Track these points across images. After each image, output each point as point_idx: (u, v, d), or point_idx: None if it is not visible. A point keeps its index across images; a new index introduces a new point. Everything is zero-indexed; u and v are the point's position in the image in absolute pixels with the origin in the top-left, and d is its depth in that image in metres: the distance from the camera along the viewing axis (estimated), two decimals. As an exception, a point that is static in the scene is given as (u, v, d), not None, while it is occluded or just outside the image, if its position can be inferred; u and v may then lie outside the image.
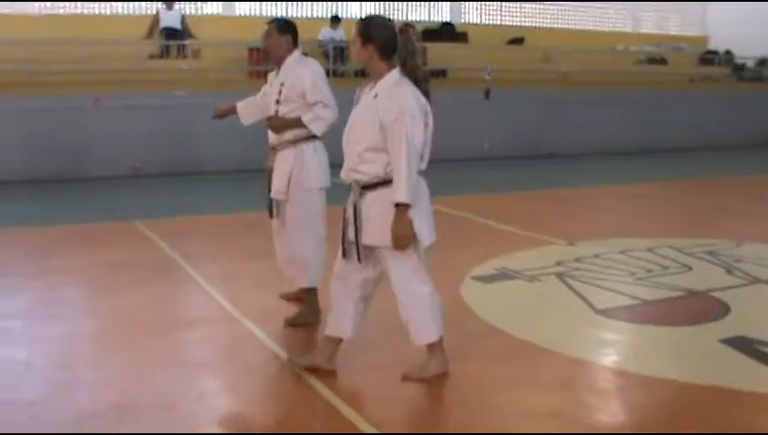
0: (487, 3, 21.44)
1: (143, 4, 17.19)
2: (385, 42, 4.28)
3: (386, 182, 4.26)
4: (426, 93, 4.35)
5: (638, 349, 5.22)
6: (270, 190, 5.66)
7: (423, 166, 4.38)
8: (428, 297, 4.46)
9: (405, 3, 20.39)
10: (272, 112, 5.59)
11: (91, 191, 12.39)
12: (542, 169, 15.83)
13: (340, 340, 4.61)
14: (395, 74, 4.30)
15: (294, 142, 5.56)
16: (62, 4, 16.60)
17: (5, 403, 4.31)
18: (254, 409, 4.36)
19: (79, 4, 16.70)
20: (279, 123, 5.56)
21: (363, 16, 4.48)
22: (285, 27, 5.61)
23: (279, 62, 5.63)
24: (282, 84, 5.52)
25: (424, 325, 4.48)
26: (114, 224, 9.40)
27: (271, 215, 5.75)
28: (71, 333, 5.54)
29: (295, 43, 5.66)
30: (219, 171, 13.99)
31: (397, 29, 4.29)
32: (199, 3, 17.99)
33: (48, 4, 16.42)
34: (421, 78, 4.34)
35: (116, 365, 4.92)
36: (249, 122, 5.99)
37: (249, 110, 5.97)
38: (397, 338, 4.74)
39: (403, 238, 4.24)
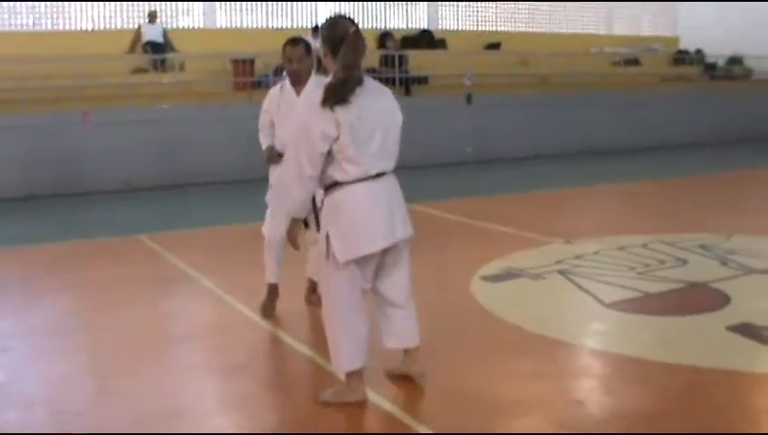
0: (463, 5, 21.69)
1: (125, 19, 17.31)
2: (334, 42, 4.24)
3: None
4: (343, 95, 4.15)
5: (652, 338, 5.45)
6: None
7: (370, 170, 4.22)
8: (341, 327, 4.34)
9: (382, 7, 20.60)
10: None
11: (87, 206, 12.49)
12: (524, 170, 16.11)
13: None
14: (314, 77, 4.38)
15: None
16: (46, 21, 16.68)
17: (57, 413, 4.46)
18: (293, 409, 4.54)
19: (62, 21, 16.78)
20: None
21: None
22: (310, 48, 5.83)
23: (301, 84, 5.79)
24: None
25: (336, 353, 4.41)
26: (118, 239, 9.53)
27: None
28: (100, 345, 5.70)
29: None
30: (210, 182, 14.13)
31: (350, 30, 4.23)
32: (180, 15, 18.11)
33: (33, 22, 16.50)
34: (341, 78, 4.17)
35: (152, 374, 5.08)
36: None
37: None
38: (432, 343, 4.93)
39: (287, 239, 4.43)
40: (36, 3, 16.50)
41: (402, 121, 4.41)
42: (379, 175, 4.23)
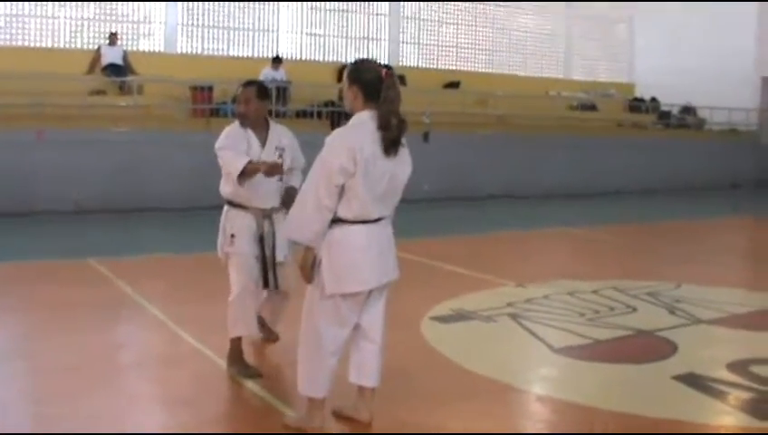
0: (425, 44, 21.92)
1: (85, 38, 17.22)
2: (368, 84, 4.28)
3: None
4: (394, 141, 4.29)
5: (599, 385, 5.48)
6: (267, 256, 5.64)
7: (370, 214, 4.31)
8: (313, 353, 4.41)
9: (344, 43, 20.72)
10: (275, 180, 5.58)
11: (37, 227, 12.33)
12: (479, 210, 16.21)
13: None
14: (356, 117, 4.34)
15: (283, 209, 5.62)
16: (5, 37, 16.53)
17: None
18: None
19: (21, 37, 16.65)
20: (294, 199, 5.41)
21: (354, 60, 4.54)
22: (264, 93, 5.65)
23: (254, 127, 5.57)
24: (280, 150, 5.59)
25: (302, 375, 4.48)
26: (67, 261, 9.40)
27: (267, 285, 5.73)
28: (46, 369, 5.58)
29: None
30: (163, 208, 14.02)
31: (383, 73, 4.28)
32: (142, 39, 18.06)
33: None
34: (394, 125, 4.26)
35: (96, 401, 4.97)
36: None
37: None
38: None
39: (300, 270, 4.38)
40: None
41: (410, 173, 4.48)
42: (378, 219, 4.36)
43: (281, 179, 5.63)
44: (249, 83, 5.66)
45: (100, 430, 4.50)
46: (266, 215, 5.63)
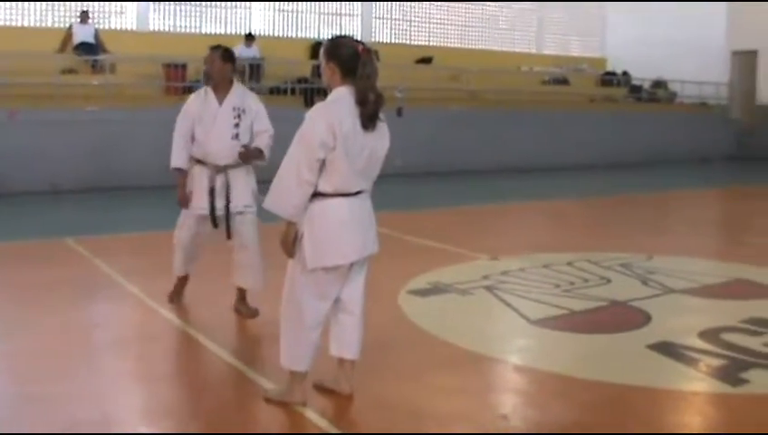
0: (397, 19, 21.90)
1: (56, 17, 17.07)
2: (345, 60, 4.32)
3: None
4: (371, 116, 4.32)
5: (575, 355, 5.59)
6: (215, 207, 6.13)
7: (349, 187, 4.36)
8: (295, 327, 4.49)
9: (316, 18, 20.68)
10: (229, 138, 6.05)
11: (12, 207, 12.26)
12: (452, 185, 16.30)
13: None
14: (334, 92, 4.38)
15: (245, 164, 6.14)
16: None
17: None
18: (219, 419, 4.55)
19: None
20: (253, 155, 6.10)
21: (331, 36, 4.59)
22: (228, 56, 6.09)
23: (218, 90, 6.10)
24: (238, 110, 6.04)
25: (284, 349, 4.57)
26: (44, 241, 9.38)
27: (229, 236, 6.22)
28: (26, 350, 5.60)
29: (234, 71, 6.17)
30: (138, 186, 13.98)
31: (359, 49, 4.33)
32: (113, 17, 17.92)
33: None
34: (372, 101, 4.30)
35: (77, 381, 5.00)
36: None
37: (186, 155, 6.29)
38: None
39: (281, 245, 4.42)
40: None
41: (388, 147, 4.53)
42: (358, 192, 4.40)
43: (237, 137, 6.01)
44: (215, 47, 6.14)
45: (82, 410, 4.55)
46: (220, 170, 6.08)
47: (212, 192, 6.08)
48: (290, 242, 4.37)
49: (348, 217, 4.39)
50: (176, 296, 6.63)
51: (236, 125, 6.02)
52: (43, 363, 5.32)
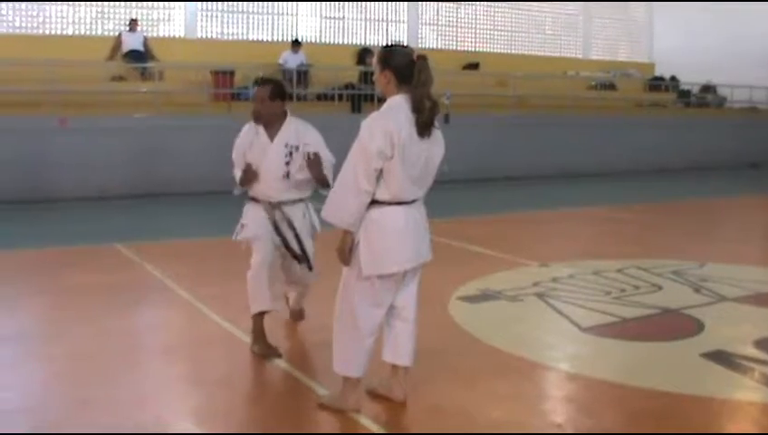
0: (443, 25, 21.88)
1: (106, 25, 17.30)
2: (401, 68, 4.35)
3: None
4: (427, 123, 4.34)
5: (628, 363, 5.53)
6: (286, 239, 5.72)
7: (406, 196, 4.38)
8: (349, 334, 4.48)
9: (363, 25, 20.72)
10: (279, 176, 5.64)
11: (62, 213, 12.45)
12: (500, 191, 16.26)
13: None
14: (390, 100, 4.39)
15: (304, 200, 5.84)
16: (27, 25, 16.62)
17: (37, 424, 4.45)
18: (272, 424, 4.56)
19: (42, 24, 16.73)
20: (318, 168, 5.60)
21: (384, 44, 4.63)
22: (277, 93, 5.65)
23: (268, 126, 5.68)
24: (291, 147, 5.60)
25: (338, 355, 4.57)
26: (95, 246, 9.50)
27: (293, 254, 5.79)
28: (79, 353, 5.66)
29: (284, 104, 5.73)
30: (186, 193, 14.11)
31: (414, 57, 4.38)
32: (162, 24, 18.12)
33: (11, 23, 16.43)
34: (427, 108, 4.33)
35: (131, 384, 5.06)
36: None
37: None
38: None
39: (337, 253, 4.42)
40: (17, 4, 16.44)
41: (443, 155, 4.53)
42: (413, 200, 4.43)
43: (287, 176, 5.62)
44: (264, 82, 5.76)
45: (134, 413, 4.59)
46: (275, 207, 5.70)
47: (275, 225, 5.68)
48: (346, 250, 4.37)
49: (404, 225, 4.41)
50: (261, 343, 5.66)
51: (287, 163, 5.60)
52: (96, 367, 5.39)
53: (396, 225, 4.38)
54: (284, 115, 5.71)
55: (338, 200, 4.30)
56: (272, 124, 5.67)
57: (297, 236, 5.71)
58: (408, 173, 4.30)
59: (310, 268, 5.78)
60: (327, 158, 5.66)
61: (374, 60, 4.46)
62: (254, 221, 5.72)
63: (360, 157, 4.24)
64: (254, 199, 5.77)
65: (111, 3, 17.43)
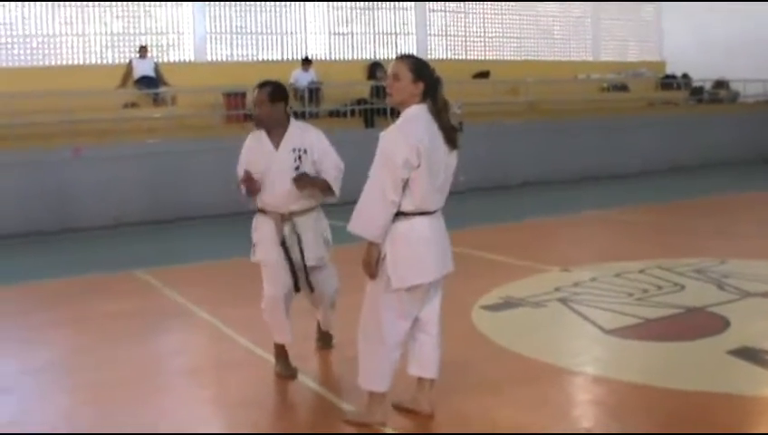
0: (452, 35, 21.92)
1: (116, 53, 17.42)
2: (431, 82, 4.38)
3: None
4: (454, 134, 4.39)
5: (654, 364, 5.50)
6: (294, 259, 5.47)
7: (429, 206, 4.38)
8: (376, 348, 4.47)
9: (372, 38, 20.77)
10: (289, 183, 5.36)
11: (80, 242, 12.51)
12: (516, 198, 16.24)
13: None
14: (409, 111, 4.36)
15: (315, 208, 5.58)
16: (37, 56, 16.76)
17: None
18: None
19: (53, 56, 16.88)
20: (312, 183, 5.39)
21: (404, 54, 4.62)
22: (277, 95, 5.41)
23: (270, 130, 5.46)
24: (299, 151, 5.40)
25: (364, 370, 4.55)
26: (114, 274, 9.54)
27: (297, 289, 5.55)
28: (106, 381, 5.68)
29: (287, 107, 5.51)
30: (203, 216, 14.15)
31: (436, 73, 4.43)
32: (171, 49, 18.22)
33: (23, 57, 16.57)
34: (448, 120, 4.40)
35: (158, 409, 5.09)
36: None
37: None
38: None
39: (363, 266, 4.39)
40: (26, 37, 16.57)
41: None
42: (435, 210, 4.45)
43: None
44: (262, 85, 5.46)
45: (166, 435, 4.61)
46: (285, 219, 5.44)
47: (284, 243, 5.43)
48: (373, 263, 4.35)
49: (430, 235, 4.42)
50: (281, 364, 5.63)
51: (297, 168, 5.35)
52: (122, 394, 5.40)
53: (423, 236, 4.39)
54: (288, 119, 5.49)
55: (365, 213, 4.29)
56: (275, 130, 5.44)
57: (301, 251, 5.46)
58: (432, 183, 4.31)
59: (297, 290, 5.55)
60: (334, 162, 5.47)
61: (401, 68, 4.36)
62: (263, 241, 5.51)
63: (387, 168, 4.23)
64: (263, 211, 5.54)
65: (121, 32, 17.52)
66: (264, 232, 5.52)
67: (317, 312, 6.02)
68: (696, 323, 6.42)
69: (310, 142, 5.44)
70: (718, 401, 4.75)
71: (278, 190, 5.40)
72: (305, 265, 5.50)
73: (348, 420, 4.65)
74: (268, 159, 5.41)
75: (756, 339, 5.79)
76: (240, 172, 5.52)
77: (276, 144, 5.43)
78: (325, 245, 5.64)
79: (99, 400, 5.33)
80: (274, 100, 5.39)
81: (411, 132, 4.26)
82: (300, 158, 5.38)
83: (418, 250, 4.38)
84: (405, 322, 4.49)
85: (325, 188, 5.44)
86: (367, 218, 4.29)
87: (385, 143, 4.27)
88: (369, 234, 4.30)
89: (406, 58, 4.44)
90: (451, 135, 4.37)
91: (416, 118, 4.33)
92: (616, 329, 6.26)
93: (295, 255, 5.44)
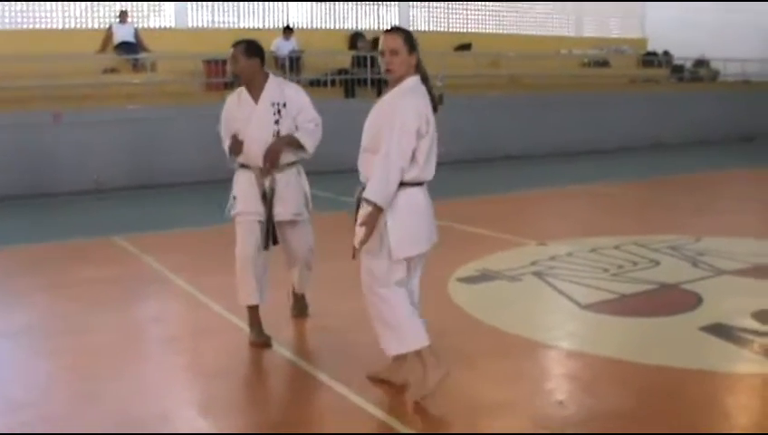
0: (434, 6, 21.82)
1: (96, 18, 17.24)
2: (418, 52, 4.42)
3: None
4: (436, 102, 4.46)
5: (628, 339, 5.56)
6: (270, 214, 5.59)
7: (426, 176, 4.46)
8: (398, 314, 4.48)
9: (353, 8, 20.65)
10: (270, 136, 5.49)
11: (59, 207, 12.46)
12: (495, 171, 16.28)
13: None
14: (409, 81, 4.40)
15: (296, 163, 5.68)
16: (16, 19, 16.56)
17: (43, 417, 4.47)
18: (279, 410, 4.62)
19: (32, 19, 16.68)
20: (279, 148, 5.50)
21: (393, 27, 4.61)
22: (252, 50, 5.51)
23: (250, 87, 5.56)
24: (278, 105, 5.50)
25: (398, 336, 4.52)
26: (92, 240, 9.51)
27: (276, 242, 5.70)
28: (84, 347, 5.69)
29: (263, 64, 5.60)
30: (182, 183, 14.12)
31: None
32: (152, 15, 18.05)
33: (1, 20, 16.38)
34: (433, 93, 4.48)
35: (136, 377, 5.09)
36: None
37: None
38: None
39: (363, 225, 4.35)
40: (7, 2, 16.38)
41: None
42: (430, 180, 4.50)
43: (278, 135, 5.48)
44: (238, 42, 5.57)
45: (140, 406, 4.63)
46: (266, 173, 5.54)
47: (264, 197, 5.56)
48: (372, 227, 4.33)
49: (424, 206, 4.50)
50: (254, 332, 5.65)
51: (276, 121, 5.47)
52: (99, 361, 5.41)
53: (420, 206, 4.47)
54: (266, 77, 5.58)
55: (383, 180, 4.27)
56: (254, 85, 5.54)
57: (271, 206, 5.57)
58: (431, 152, 4.39)
59: (275, 242, 5.66)
60: (311, 115, 5.60)
61: (398, 43, 4.35)
62: (243, 193, 5.61)
63: (403, 136, 4.25)
64: (244, 166, 5.64)
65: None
66: (244, 185, 5.62)
67: (291, 273, 6.04)
68: (669, 300, 6.49)
69: (289, 96, 5.58)
70: (691, 376, 4.81)
71: (258, 144, 5.50)
72: (272, 221, 5.59)
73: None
74: (248, 114, 5.53)
75: (728, 316, 5.86)
76: (223, 130, 5.67)
77: (256, 99, 5.54)
78: (304, 200, 5.75)
79: (77, 366, 5.32)
80: (250, 54, 5.50)
81: (418, 102, 4.33)
82: (279, 112, 5.52)
83: (417, 220, 4.47)
84: (404, 289, 4.53)
85: (294, 144, 5.55)
86: (384, 186, 4.29)
87: (399, 113, 4.27)
88: (383, 200, 4.30)
89: (398, 31, 4.44)
90: (435, 104, 4.44)
91: (417, 88, 4.39)
92: (591, 304, 6.32)
93: (275, 209, 5.57)
